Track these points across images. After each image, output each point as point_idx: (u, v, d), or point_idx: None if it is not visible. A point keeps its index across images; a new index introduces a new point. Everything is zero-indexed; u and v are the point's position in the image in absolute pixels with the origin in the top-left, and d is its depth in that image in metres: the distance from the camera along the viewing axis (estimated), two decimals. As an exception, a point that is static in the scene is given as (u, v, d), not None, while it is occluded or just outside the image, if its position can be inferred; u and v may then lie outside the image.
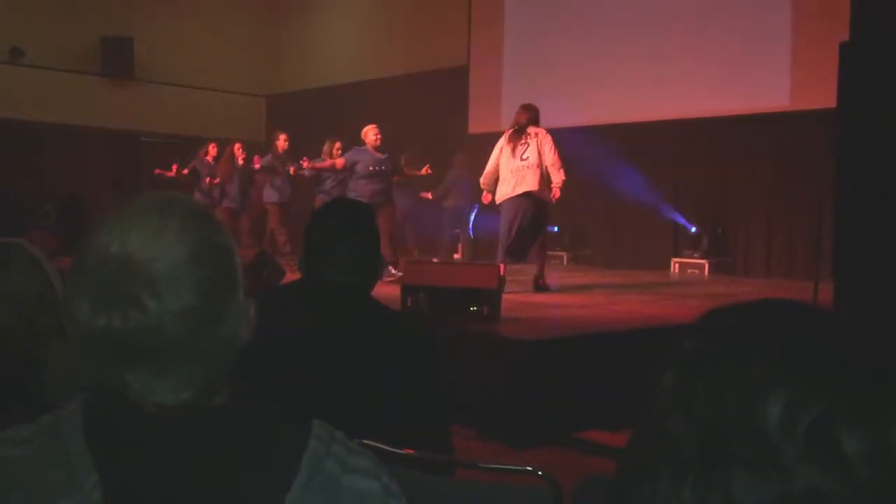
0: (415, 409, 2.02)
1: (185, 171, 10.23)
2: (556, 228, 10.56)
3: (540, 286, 7.29)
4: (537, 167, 6.92)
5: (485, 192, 7.35)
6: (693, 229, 10.02)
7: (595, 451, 4.30)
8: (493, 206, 7.40)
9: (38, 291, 1.84)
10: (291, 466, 0.90)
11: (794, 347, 0.66)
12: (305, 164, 8.91)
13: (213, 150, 10.41)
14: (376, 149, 8.20)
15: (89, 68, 13.73)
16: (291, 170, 9.42)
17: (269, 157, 9.76)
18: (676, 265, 10.18)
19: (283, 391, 1.71)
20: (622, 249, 10.84)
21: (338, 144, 9.03)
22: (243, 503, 0.89)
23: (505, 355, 4.86)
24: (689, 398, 0.66)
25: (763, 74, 9.27)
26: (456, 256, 10.39)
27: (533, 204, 7.00)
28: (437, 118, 11.91)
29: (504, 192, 7.05)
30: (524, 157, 6.99)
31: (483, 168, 7.33)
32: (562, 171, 6.97)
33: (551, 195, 7.01)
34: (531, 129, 7.04)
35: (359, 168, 8.16)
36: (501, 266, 6.52)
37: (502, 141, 7.15)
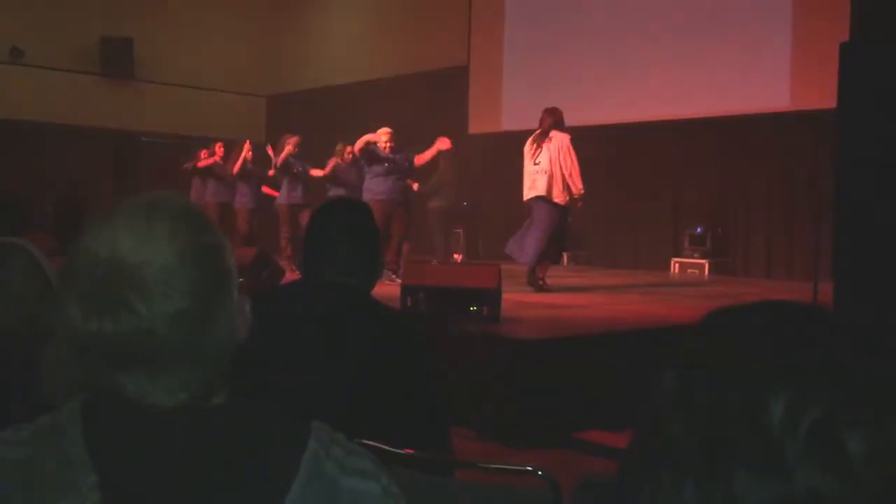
0: (414, 408, 2.02)
1: (212, 162, 10.28)
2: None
3: (540, 286, 7.29)
4: (546, 173, 6.95)
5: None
6: (698, 229, 10.02)
7: (595, 451, 4.30)
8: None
9: (37, 291, 1.84)
10: (291, 467, 0.90)
11: (796, 348, 0.66)
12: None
13: (219, 150, 10.42)
14: (391, 150, 8.21)
15: (89, 68, 13.73)
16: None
17: (282, 159, 9.74)
18: (676, 265, 10.19)
19: (282, 391, 1.71)
20: (622, 250, 10.84)
21: (349, 148, 9.01)
22: None
23: (505, 355, 4.86)
24: (689, 398, 0.66)
25: (763, 75, 9.27)
26: (456, 257, 10.39)
27: (555, 209, 7.01)
28: (437, 118, 11.91)
29: (525, 195, 7.17)
30: (537, 161, 7.05)
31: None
32: (578, 179, 6.96)
33: (565, 200, 6.99)
34: (553, 134, 7.06)
35: (369, 163, 8.17)
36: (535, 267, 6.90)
37: (526, 145, 7.24)
